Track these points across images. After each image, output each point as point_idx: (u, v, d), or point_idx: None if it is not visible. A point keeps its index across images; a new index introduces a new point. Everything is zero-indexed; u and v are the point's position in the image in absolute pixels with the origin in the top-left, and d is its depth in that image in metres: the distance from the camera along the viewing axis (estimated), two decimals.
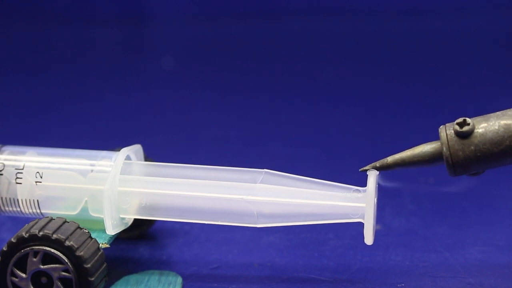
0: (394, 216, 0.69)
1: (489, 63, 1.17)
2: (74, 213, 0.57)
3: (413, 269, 0.60)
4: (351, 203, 0.54)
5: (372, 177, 0.54)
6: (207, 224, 0.57)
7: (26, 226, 0.53)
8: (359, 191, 0.54)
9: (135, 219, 0.59)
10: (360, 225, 0.54)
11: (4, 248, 0.53)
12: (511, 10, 1.29)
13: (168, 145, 0.85)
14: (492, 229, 0.66)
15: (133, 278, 0.59)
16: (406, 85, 1.08)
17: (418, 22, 1.29)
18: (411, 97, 1.03)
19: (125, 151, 0.58)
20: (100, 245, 0.55)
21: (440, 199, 0.72)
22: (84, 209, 0.57)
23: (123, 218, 0.57)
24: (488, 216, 0.69)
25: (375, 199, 0.54)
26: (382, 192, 0.57)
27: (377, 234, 0.55)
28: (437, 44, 1.24)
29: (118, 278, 0.58)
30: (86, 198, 0.57)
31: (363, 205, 0.53)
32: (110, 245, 0.56)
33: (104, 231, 0.56)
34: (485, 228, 0.66)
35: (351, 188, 0.55)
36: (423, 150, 0.54)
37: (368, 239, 0.53)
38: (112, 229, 0.56)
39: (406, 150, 0.55)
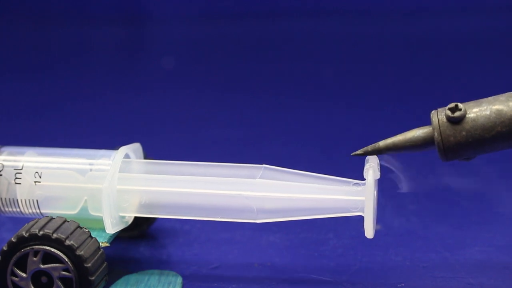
0: (394, 216, 0.69)
1: (489, 63, 1.16)
2: (74, 212, 0.57)
3: (413, 269, 0.60)
4: (350, 197, 0.54)
5: (371, 170, 0.54)
6: (207, 224, 0.57)
7: (26, 226, 0.53)
8: (359, 184, 0.54)
9: (135, 218, 0.59)
10: (360, 225, 0.54)
11: (4, 248, 0.53)
12: (511, 10, 1.29)
13: (168, 145, 0.85)
14: (492, 229, 0.66)
15: (133, 277, 0.59)
16: (406, 85, 1.08)
17: (418, 22, 1.29)
18: (410, 97, 1.03)
19: (123, 149, 0.58)
20: (100, 244, 0.55)
21: (440, 199, 0.72)
22: (84, 208, 0.57)
23: (123, 217, 0.57)
24: (488, 216, 0.69)
25: (375, 192, 0.53)
26: (382, 192, 0.57)
27: (377, 234, 0.55)
28: (437, 44, 1.24)
29: (118, 277, 0.58)
30: (85, 197, 0.57)
31: (363, 198, 0.53)
32: (110, 244, 0.56)
33: (104, 229, 0.56)
34: (485, 228, 0.66)
35: (350, 182, 0.54)
36: (415, 135, 0.54)
37: (369, 232, 0.53)
38: (111, 228, 0.56)
39: (398, 135, 0.55)
